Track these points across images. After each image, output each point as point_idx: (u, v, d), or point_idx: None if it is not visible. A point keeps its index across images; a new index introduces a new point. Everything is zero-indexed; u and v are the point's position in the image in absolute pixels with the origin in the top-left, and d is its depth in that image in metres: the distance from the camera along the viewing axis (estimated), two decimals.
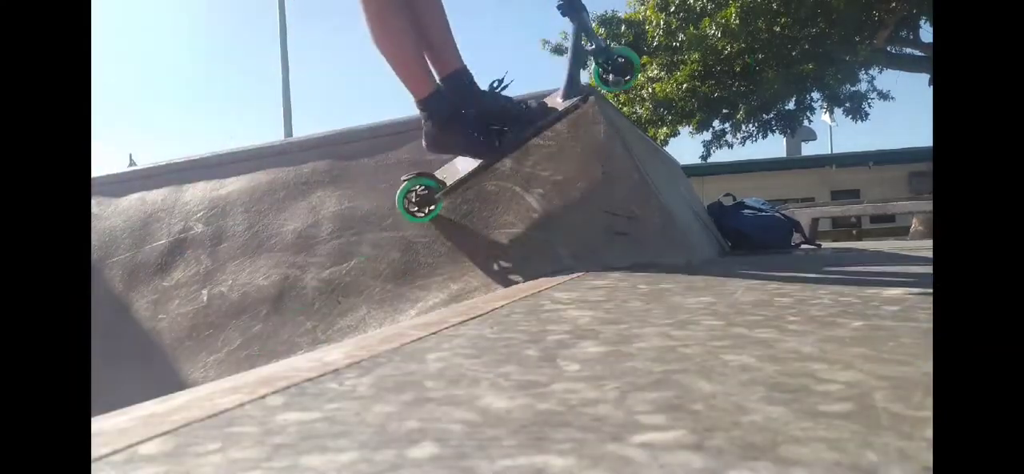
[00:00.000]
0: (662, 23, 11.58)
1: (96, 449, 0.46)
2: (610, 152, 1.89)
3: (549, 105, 1.90)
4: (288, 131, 11.89)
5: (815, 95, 12.91)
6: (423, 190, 1.91)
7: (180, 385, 1.93)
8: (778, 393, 0.52)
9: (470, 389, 0.58)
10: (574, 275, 1.61)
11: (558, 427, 0.46)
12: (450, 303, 1.78)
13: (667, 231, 1.81)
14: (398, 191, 1.93)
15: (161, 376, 2.04)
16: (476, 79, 1.85)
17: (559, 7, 1.87)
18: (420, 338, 0.84)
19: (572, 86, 1.90)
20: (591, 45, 1.90)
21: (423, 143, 1.85)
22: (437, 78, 1.82)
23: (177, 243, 2.34)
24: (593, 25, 12.52)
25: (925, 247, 2.74)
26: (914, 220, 9.78)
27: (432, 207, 1.91)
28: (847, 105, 12.88)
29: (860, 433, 0.42)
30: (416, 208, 1.92)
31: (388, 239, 2.02)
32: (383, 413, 0.52)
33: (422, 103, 1.79)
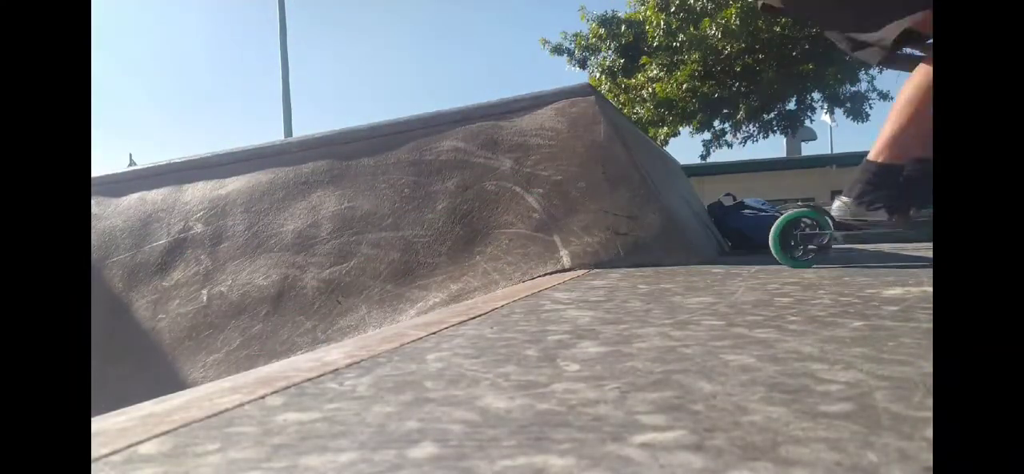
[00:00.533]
0: (662, 23, 11.57)
1: (96, 449, 0.46)
2: (610, 152, 1.89)
3: None
4: (288, 131, 11.88)
5: (815, 95, 12.90)
6: (809, 224, 1.61)
7: (180, 385, 1.93)
8: (778, 393, 0.52)
9: (470, 389, 0.58)
10: (574, 275, 1.61)
11: (558, 427, 0.46)
12: (450, 303, 1.78)
13: (667, 231, 1.81)
14: (780, 219, 1.62)
15: (161, 376, 2.05)
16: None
17: None
18: (420, 338, 0.84)
19: None
20: None
21: (836, 211, 1.59)
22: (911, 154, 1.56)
23: (177, 243, 2.34)
24: (593, 25, 12.35)
25: (925, 247, 2.74)
26: None
27: (813, 251, 1.61)
28: (847, 105, 12.87)
29: (860, 433, 0.42)
30: (796, 245, 1.62)
31: (388, 239, 2.02)
32: (383, 413, 0.52)
33: (885, 168, 1.53)
